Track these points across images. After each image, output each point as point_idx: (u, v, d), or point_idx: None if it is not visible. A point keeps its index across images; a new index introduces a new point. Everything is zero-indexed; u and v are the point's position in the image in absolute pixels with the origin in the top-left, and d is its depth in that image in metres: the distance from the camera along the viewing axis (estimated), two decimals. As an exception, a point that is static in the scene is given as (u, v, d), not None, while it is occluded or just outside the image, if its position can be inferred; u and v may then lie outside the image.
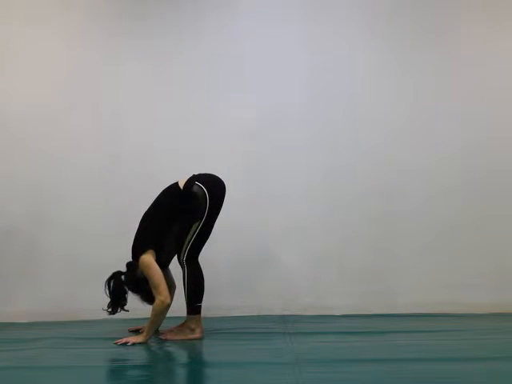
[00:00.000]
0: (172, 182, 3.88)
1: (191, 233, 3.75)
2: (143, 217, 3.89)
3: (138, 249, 3.78)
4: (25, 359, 3.31)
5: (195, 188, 3.76)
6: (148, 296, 3.78)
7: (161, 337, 3.78)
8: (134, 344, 3.59)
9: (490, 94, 4.62)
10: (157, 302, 3.66)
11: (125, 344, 3.60)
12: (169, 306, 3.67)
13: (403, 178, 4.60)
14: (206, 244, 3.84)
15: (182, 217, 3.79)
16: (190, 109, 4.63)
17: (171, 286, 3.90)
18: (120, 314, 4.32)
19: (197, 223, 3.74)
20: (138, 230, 3.86)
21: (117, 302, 3.78)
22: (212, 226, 3.82)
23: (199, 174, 3.85)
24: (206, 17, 4.66)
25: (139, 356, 3.44)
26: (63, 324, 4.28)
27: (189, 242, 3.75)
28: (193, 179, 3.80)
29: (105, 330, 4.00)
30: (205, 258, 3.98)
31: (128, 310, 3.82)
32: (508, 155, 4.62)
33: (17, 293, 4.52)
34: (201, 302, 3.77)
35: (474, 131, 4.61)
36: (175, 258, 3.88)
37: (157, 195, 3.90)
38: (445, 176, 4.60)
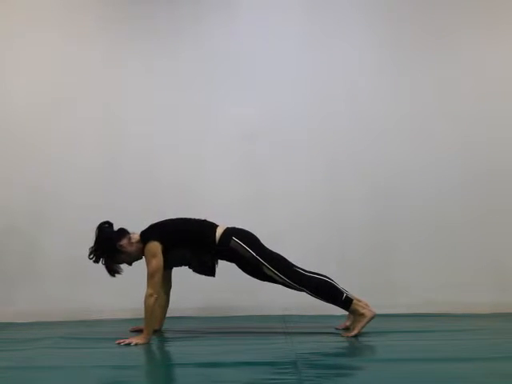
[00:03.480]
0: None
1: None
2: (174, 220, 3.85)
3: (152, 234, 3.75)
4: (25, 359, 3.30)
5: (233, 243, 3.78)
6: (110, 265, 3.74)
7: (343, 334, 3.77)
8: (136, 344, 3.57)
9: (489, 94, 4.63)
10: (145, 294, 3.64)
11: (128, 344, 3.57)
12: (156, 299, 3.65)
13: (403, 176, 4.60)
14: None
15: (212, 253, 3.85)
16: (190, 108, 4.63)
17: (168, 286, 3.93)
18: (120, 314, 4.34)
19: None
20: (163, 223, 3.83)
21: (102, 249, 3.72)
22: None
23: (237, 231, 3.83)
24: (206, 17, 4.67)
25: (138, 356, 3.43)
26: (63, 324, 4.28)
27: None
28: (230, 235, 3.78)
29: (105, 330, 4.00)
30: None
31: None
32: (508, 155, 4.62)
33: (17, 293, 4.52)
34: None
35: (474, 131, 4.61)
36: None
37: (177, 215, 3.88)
38: (445, 175, 4.60)
